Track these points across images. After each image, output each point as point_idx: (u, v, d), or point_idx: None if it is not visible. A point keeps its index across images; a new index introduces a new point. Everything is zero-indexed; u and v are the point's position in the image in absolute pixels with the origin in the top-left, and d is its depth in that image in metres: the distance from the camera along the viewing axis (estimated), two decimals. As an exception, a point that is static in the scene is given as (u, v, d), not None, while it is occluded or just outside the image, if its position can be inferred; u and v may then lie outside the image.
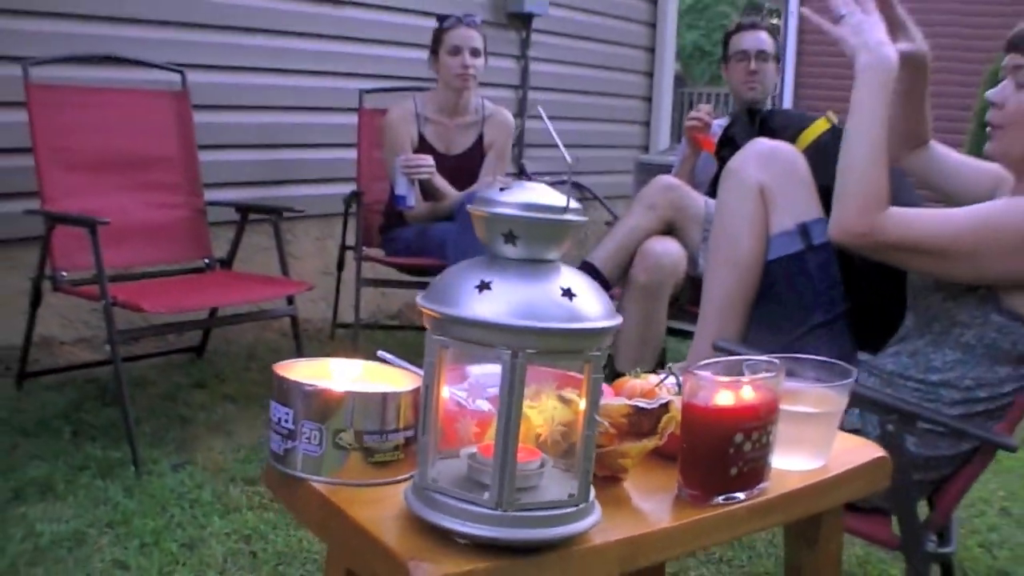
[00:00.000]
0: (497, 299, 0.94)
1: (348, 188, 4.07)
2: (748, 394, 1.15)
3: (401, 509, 1.04)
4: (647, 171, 5.14)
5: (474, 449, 1.04)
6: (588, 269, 3.17)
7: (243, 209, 3.52)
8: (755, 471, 1.18)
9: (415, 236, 3.79)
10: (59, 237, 3.06)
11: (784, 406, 1.21)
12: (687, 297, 3.29)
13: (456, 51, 3.79)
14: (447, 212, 3.73)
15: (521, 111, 5.39)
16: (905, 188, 2.21)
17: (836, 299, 2.10)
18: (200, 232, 3.51)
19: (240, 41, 4.14)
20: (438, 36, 3.85)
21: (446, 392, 1.03)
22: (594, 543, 1.03)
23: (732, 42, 3.74)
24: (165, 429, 3.08)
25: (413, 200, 3.68)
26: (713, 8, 18.95)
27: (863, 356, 2.05)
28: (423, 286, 3.24)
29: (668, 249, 3.18)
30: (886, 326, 2.07)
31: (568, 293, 0.95)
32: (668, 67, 6.55)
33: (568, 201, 0.98)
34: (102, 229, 2.84)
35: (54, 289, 3.12)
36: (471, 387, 1.15)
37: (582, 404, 1.00)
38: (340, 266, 4.07)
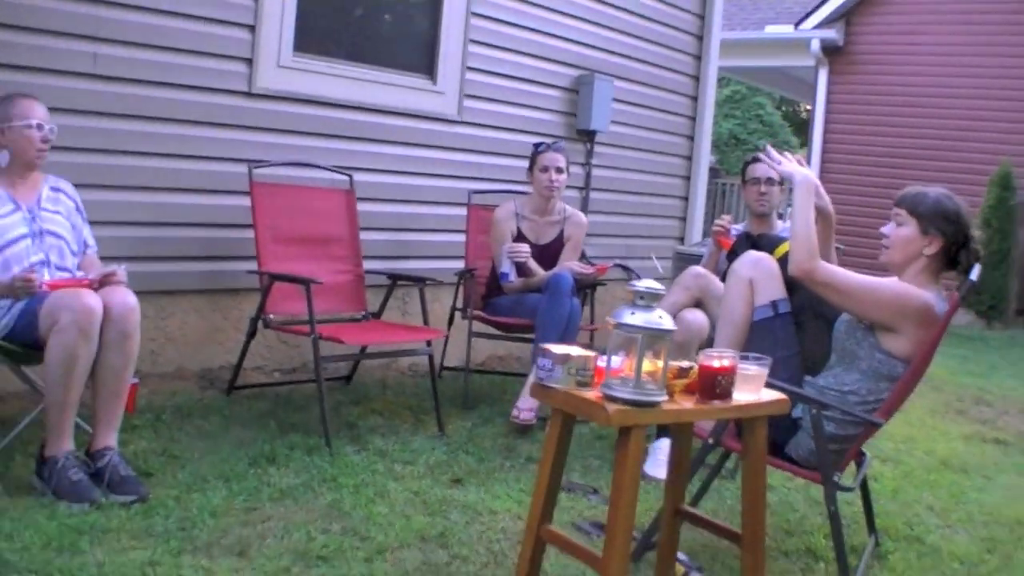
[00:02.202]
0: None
1: (452, 264, 5.44)
2: (724, 362, 2.45)
3: (595, 395, 2.33)
4: (683, 259, 6.51)
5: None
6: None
7: (393, 277, 4.87)
8: (726, 394, 2.46)
9: (511, 303, 5.11)
10: (273, 291, 4.41)
11: (739, 369, 2.52)
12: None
13: (546, 169, 5.16)
14: (536, 286, 5.04)
15: (584, 207, 6.72)
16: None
17: (791, 345, 3.45)
18: (359, 291, 4.87)
19: (385, 151, 5.56)
20: (533, 157, 5.23)
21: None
22: (666, 408, 2.33)
23: (748, 170, 5.03)
24: (340, 428, 4.38)
25: (513, 276, 5.02)
26: (750, 99, 20.29)
27: (808, 378, 3.38)
28: (518, 340, 4.69)
29: (696, 318, 4.46)
30: (820, 361, 3.43)
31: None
32: (703, 177, 7.90)
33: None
34: (292, 285, 4.22)
35: (264, 327, 4.47)
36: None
37: (660, 363, 2.31)
38: (450, 322, 5.37)
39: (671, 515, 2.80)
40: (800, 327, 3.56)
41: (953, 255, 3.27)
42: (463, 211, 5.55)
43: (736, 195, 14.36)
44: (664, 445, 4.29)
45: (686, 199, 7.91)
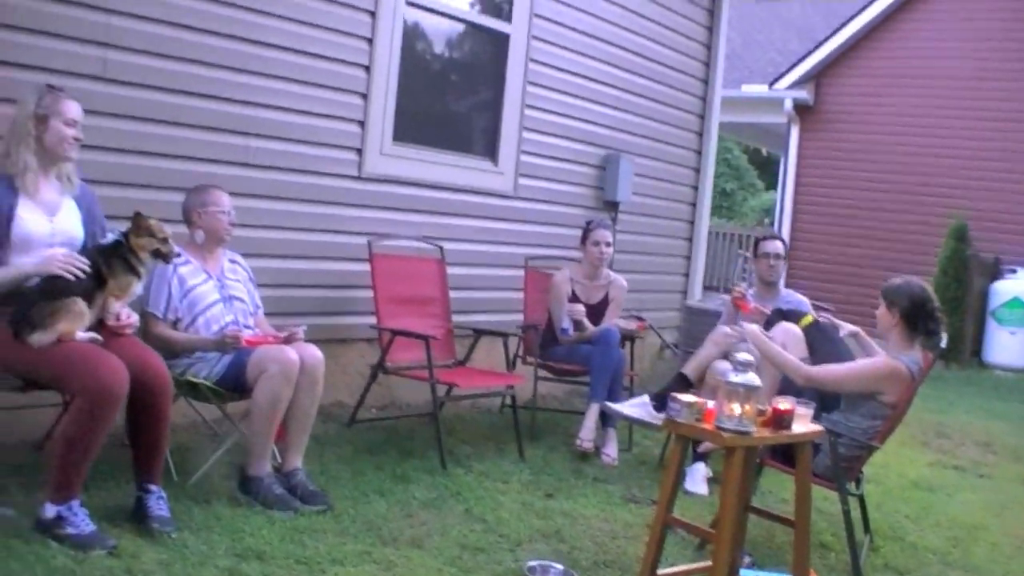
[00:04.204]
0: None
1: (509, 317, 6.54)
2: (787, 406, 3.57)
3: (711, 427, 3.46)
4: (690, 311, 7.67)
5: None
6: (681, 377, 5.59)
7: (479, 331, 5.95)
8: (788, 427, 3.56)
9: (566, 352, 6.21)
10: (392, 342, 5.48)
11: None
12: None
13: (596, 243, 6.29)
14: (588, 338, 6.15)
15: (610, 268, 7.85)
16: (836, 340, 4.76)
17: (812, 391, 4.58)
18: (450, 342, 5.94)
19: (466, 224, 6.69)
20: (586, 232, 6.36)
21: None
22: (755, 435, 3.46)
23: (760, 246, 6.19)
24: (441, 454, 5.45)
25: (571, 331, 6.13)
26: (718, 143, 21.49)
27: (824, 414, 4.53)
28: (570, 382, 5.90)
29: (724, 367, 5.54)
30: (831, 402, 4.60)
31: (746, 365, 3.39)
32: (703, 239, 9.12)
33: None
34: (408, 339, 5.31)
35: (384, 373, 5.53)
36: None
37: (749, 407, 3.43)
38: (512, 367, 6.44)
39: (741, 511, 3.88)
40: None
41: (914, 324, 4.47)
42: (520, 272, 6.65)
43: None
44: (700, 467, 5.45)
45: (689, 258, 9.08)
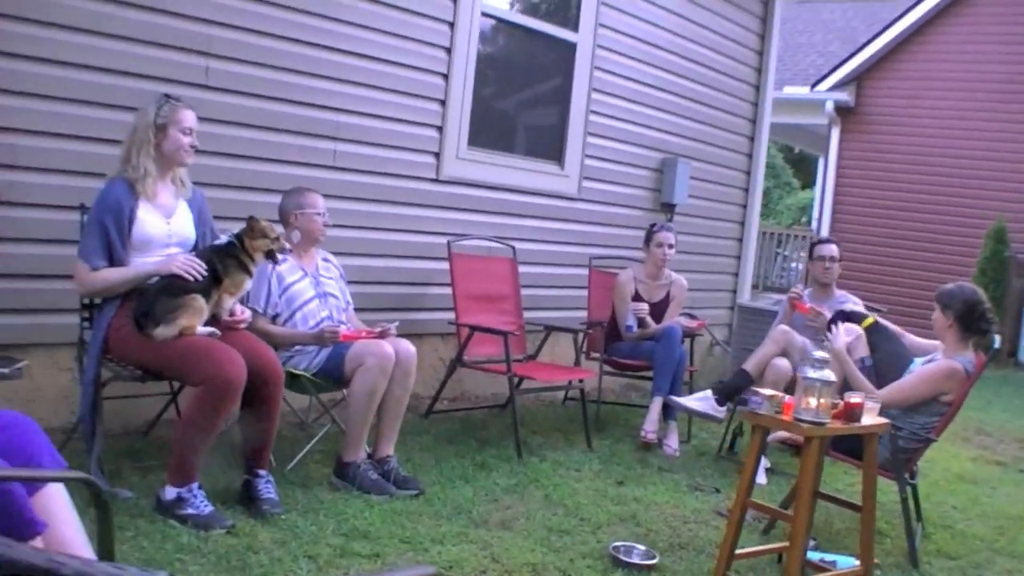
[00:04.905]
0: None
1: (572, 314, 6.84)
2: (858, 399, 3.85)
3: (790, 418, 3.75)
4: (745, 311, 7.93)
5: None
6: (743, 373, 5.87)
7: (549, 327, 6.26)
8: (858, 419, 3.83)
9: (630, 348, 6.51)
10: (471, 338, 5.79)
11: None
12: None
13: (660, 245, 6.58)
14: (651, 335, 6.44)
15: (665, 266, 8.14)
16: (896, 340, 5.05)
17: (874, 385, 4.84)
18: (521, 338, 6.25)
19: (534, 224, 7.01)
20: (650, 234, 6.65)
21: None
22: (829, 426, 3.75)
23: (815, 250, 6.47)
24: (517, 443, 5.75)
25: (635, 328, 6.43)
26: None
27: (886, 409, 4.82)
28: (632, 376, 6.22)
29: (783, 364, 5.80)
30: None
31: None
32: (753, 239, 9.39)
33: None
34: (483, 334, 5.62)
35: (461, 367, 5.84)
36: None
37: (824, 400, 3.72)
38: (577, 362, 6.74)
39: (812, 495, 4.15)
40: (879, 373, 4.99)
41: (968, 326, 4.76)
42: (584, 272, 6.95)
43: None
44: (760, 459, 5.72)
45: (738, 258, 9.36)
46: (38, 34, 4.54)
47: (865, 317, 5.32)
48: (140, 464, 4.52)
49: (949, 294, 4.80)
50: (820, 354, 3.77)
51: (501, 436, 5.82)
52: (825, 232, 15.18)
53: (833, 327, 5.24)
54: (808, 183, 25.80)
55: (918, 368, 4.87)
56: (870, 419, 3.98)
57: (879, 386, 4.89)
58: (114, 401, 4.48)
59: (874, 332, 5.16)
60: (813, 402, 3.69)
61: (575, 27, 7.19)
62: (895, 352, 5.07)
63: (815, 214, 17.56)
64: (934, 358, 4.91)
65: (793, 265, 16.79)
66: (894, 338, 5.24)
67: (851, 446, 4.50)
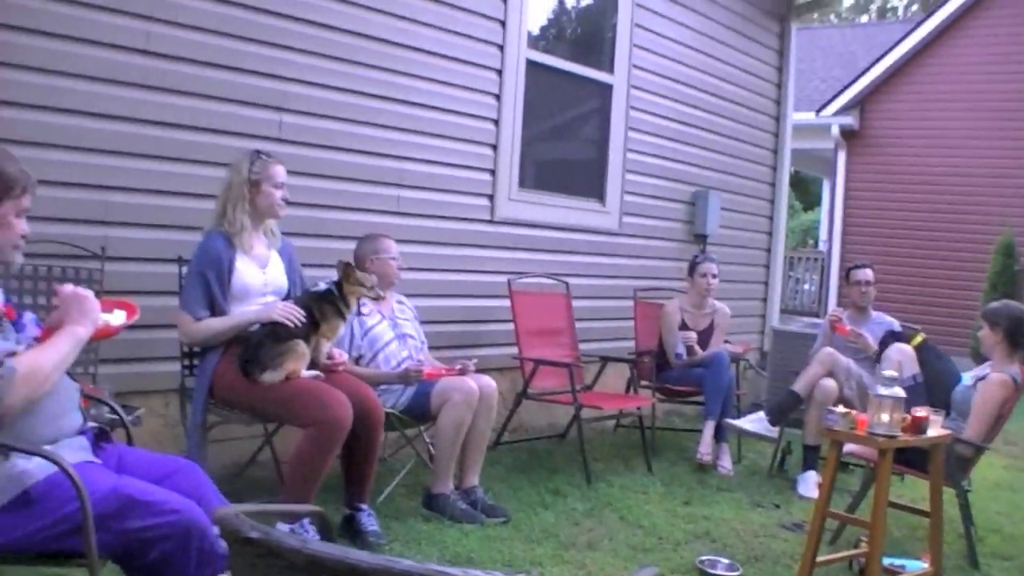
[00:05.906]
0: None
1: (619, 344, 7.14)
2: (924, 413, 4.16)
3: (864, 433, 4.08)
4: (778, 334, 8.23)
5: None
6: (792, 394, 6.17)
7: (605, 358, 6.57)
8: (924, 432, 4.14)
9: (679, 374, 6.82)
10: (533, 370, 6.09)
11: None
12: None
13: (704, 275, 6.91)
14: (699, 362, 6.75)
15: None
16: (944, 357, 5.36)
17: (925, 401, 5.13)
18: (579, 369, 6.55)
19: (580, 260, 7.33)
20: (693, 265, 6.98)
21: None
22: (900, 439, 4.07)
23: (851, 274, 6.78)
24: (581, 470, 6.02)
25: (685, 355, 6.74)
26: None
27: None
28: (682, 402, 6.54)
29: (829, 383, 6.10)
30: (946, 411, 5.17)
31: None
32: (779, 265, 9.72)
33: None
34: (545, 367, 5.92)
35: (526, 399, 6.14)
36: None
37: (894, 415, 4.03)
38: (627, 389, 7.03)
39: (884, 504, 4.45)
40: (929, 389, 5.31)
41: (1015, 340, 5.06)
42: (629, 303, 7.26)
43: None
44: (811, 475, 6.02)
45: (766, 283, 9.69)
46: (131, 96, 4.83)
47: (915, 335, 5.64)
48: (235, 501, 4.78)
49: (995, 312, 5.11)
50: (889, 372, 4.08)
51: (566, 463, 6.11)
52: (836, 254, 15.55)
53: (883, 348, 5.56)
54: (809, 205, 26.13)
55: (980, 394, 5.11)
56: (935, 431, 4.28)
57: (930, 402, 5.19)
58: (216, 444, 4.76)
59: (924, 349, 5.49)
60: (886, 417, 4.00)
61: (610, 69, 7.54)
62: (944, 369, 5.39)
63: (823, 236, 17.87)
64: (982, 374, 5.21)
65: (805, 287, 17.09)
66: (943, 355, 5.55)
67: (908, 457, 4.79)
